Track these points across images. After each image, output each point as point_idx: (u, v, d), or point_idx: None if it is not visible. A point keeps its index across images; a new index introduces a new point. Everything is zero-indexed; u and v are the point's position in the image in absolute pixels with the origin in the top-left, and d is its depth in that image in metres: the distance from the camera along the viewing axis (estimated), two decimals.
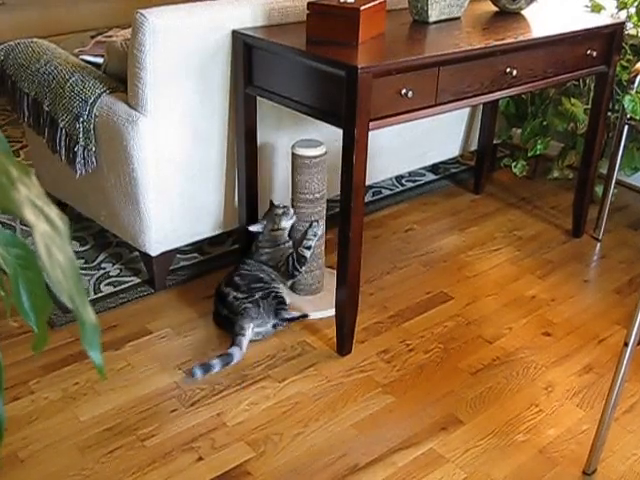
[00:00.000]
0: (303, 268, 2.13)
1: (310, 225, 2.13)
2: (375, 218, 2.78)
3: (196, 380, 1.89)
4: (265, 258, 2.13)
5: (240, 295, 2.05)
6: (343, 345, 2.00)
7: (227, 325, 2.06)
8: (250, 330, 2.01)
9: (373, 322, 2.17)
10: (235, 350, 1.96)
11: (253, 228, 2.13)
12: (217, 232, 2.33)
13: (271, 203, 2.18)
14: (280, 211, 2.12)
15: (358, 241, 1.87)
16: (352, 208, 1.80)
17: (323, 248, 2.21)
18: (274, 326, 2.06)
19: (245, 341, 1.99)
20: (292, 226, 2.15)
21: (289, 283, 2.17)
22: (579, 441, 1.75)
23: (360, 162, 1.77)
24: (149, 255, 2.21)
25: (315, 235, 2.12)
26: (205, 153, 2.17)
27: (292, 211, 2.12)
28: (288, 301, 2.11)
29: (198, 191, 2.21)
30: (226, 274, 2.16)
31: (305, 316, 2.12)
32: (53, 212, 0.67)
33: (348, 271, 1.89)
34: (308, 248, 2.12)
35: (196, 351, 2.01)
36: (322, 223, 2.15)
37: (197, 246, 2.49)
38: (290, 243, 2.14)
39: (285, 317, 2.07)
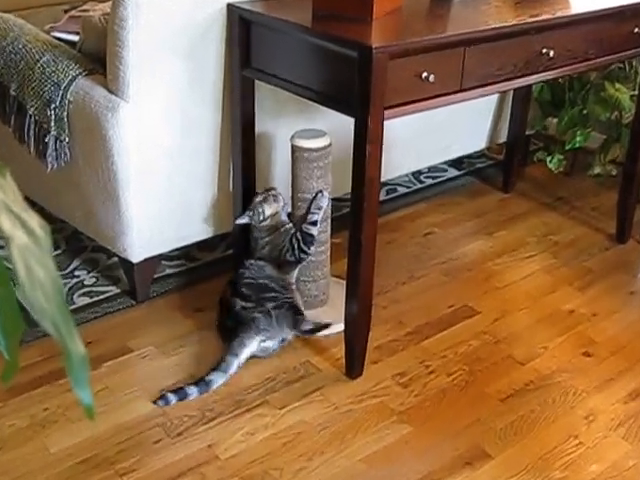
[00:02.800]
0: (312, 249, 2.11)
1: (314, 197, 2.11)
2: (389, 220, 2.78)
3: (169, 406, 1.89)
4: (266, 251, 2.12)
5: (249, 305, 2.05)
6: (353, 366, 2.00)
7: (232, 338, 2.05)
8: (249, 348, 2.00)
9: (387, 340, 2.16)
10: (216, 376, 1.95)
11: (240, 220, 2.15)
12: (208, 235, 2.33)
13: (255, 193, 2.20)
14: (260, 198, 2.12)
15: (371, 246, 1.86)
16: (364, 208, 1.80)
17: (329, 254, 2.22)
18: (282, 341, 2.05)
19: (235, 363, 1.97)
20: (289, 212, 2.16)
21: (294, 276, 2.15)
22: (625, 478, 1.74)
23: (374, 156, 1.76)
24: (130, 261, 2.21)
25: (320, 208, 2.10)
26: (195, 144, 2.17)
27: (276, 192, 2.13)
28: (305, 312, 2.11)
29: (187, 188, 2.21)
30: (230, 280, 2.16)
31: (327, 326, 2.08)
32: (33, 219, 0.65)
33: (359, 281, 1.88)
34: (313, 224, 2.10)
35: (184, 373, 2.00)
36: (327, 195, 2.12)
37: (185, 251, 2.49)
38: (290, 225, 2.14)
39: (307, 329, 2.06)
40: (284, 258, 2.11)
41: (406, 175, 3.05)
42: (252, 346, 2.01)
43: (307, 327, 2.07)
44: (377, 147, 1.76)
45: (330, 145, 2.11)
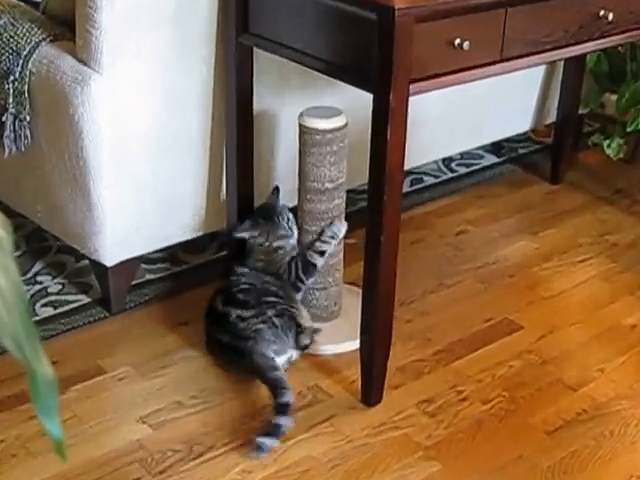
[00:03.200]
0: (310, 280, 2.16)
1: (330, 223, 2.14)
2: (415, 216, 2.77)
3: (264, 453, 1.84)
4: (261, 265, 2.17)
5: (247, 313, 2.06)
6: (370, 392, 2.00)
7: (230, 355, 2.08)
8: (278, 358, 2.02)
9: (412, 360, 2.17)
10: (288, 396, 1.90)
11: (239, 234, 2.17)
12: (197, 234, 2.34)
13: (275, 189, 2.20)
14: (275, 223, 2.14)
15: (393, 248, 1.86)
16: (385, 202, 1.80)
17: (342, 257, 2.22)
18: (288, 359, 2.05)
19: (283, 375, 1.97)
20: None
21: (299, 296, 2.18)
22: None
23: (397, 139, 1.76)
24: (103, 265, 2.21)
25: (334, 237, 2.14)
26: (182, 125, 2.18)
27: (295, 229, 2.17)
28: (308, 325, 2.11)
29: (172, 177, 2.21)
30: (218, 289, 2.18)
31: (316, 331, 2.10)
32: None
33: (379, 289, 1.88)
34: (321, 253, 2.14)
35: (168, 398, 2.00)
36: (345, 223, 2.17)
37: (169, 253, 2.50)
38: (293, 242, 2.17)
39: (305, 344, 2.07)
40: (281, 278, 2.15)
41: (435, 162, 3.04)
42: (278, 360, 2.01)
43: (305, 342, 2.08)
44: (400, 129, 1.75)
45: (346, 125, 2.11)
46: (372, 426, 1.95)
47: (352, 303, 2.20)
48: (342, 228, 2.15)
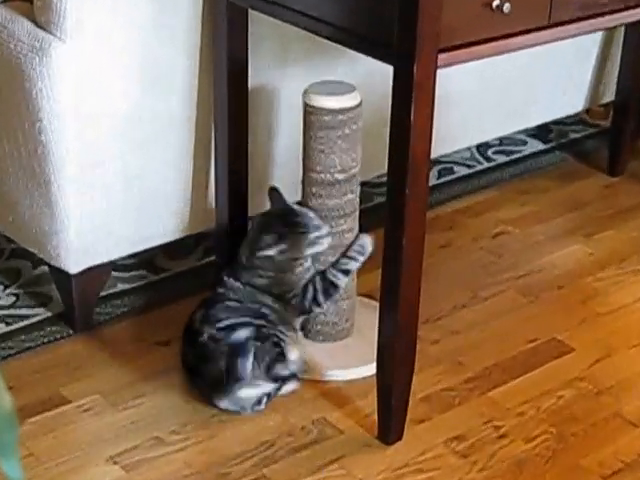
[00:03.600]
0: (328, 303, 2.17)
1: (356, 238, 2.17)
2: (443, 214, 2.78)
3: None
4: (264, 282, 2.14)
5: (220, 335, 2.06)
6: (389, 426, 2.00)
7: (195, 379, 2.09)
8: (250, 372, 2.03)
9: (439, 388, 2.16)
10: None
11: (265, 252, 2.08)
12: (180, 236, 2.36)
13: (272, 190, 2.18)
14: (314, 234, 2.09)
15: (416, 252, 1.86)
16: (407, 197, 1.79)
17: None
18: (267, 394, 2.05)
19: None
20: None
21: (299, 322, 2.19)
22: None
23: (422, 121, 1.75)
24: (66, 272, 2.20)
25: (362, 253, 2.16)
26: (162, 103, 2.18)
27: (326, 230, 2.13)
28: (294, 357, 2.10)
29: (150, 168, 2.22)
30: (203, 301, 2.16)
31: (294, 376, 2.10)
32: None
33: (399, 303, 1.88)
34: (345, 272, 2.15)
35: (144, 433, 2.00)
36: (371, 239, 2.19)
37: (146, 259, 2.51)
38: (308, 263, 2.15)
39: (279, 374, 2.06)
40: (288, 301, 2.14)
41: (468, 149, 3.06)
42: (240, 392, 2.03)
43: (280, 372, 2.06)
44: (426, 109, 1.75)
45: (361, 104, 2.10)
46: (391, 469, 1.94)
47: (367, 319, 2.21)
48: (369, 242, 2.17)
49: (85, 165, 2.10)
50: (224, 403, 2.04)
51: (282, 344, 2.09)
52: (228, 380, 2.03)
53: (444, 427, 2.05)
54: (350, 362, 2.18)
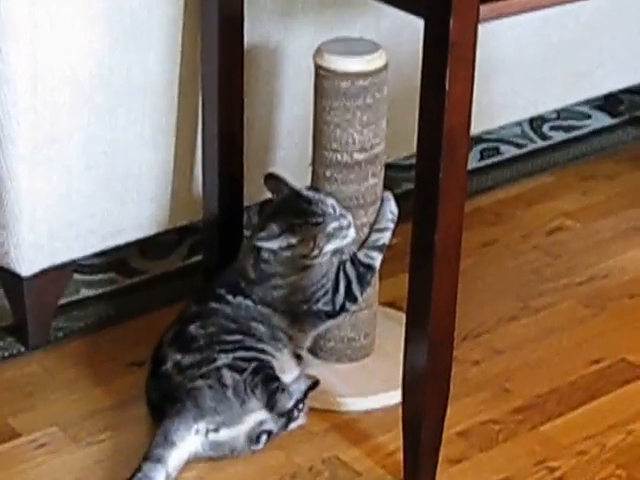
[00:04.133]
0: (364, 295, 2.16)
1: (382, 201, 2.18)
2: (486, 205, 2.81)
3: None
4: (279, 295, 2.16)
5: (187, 360, 2.08)
6: (417, 468, 1.98)
7: (156, 417, 2.09)
8: (182, 445, 2.02)
9: (480, 421, 2.17)
10: None
11: (263, 243, 2.13)
12: (158, 230, 2.38)
13: (269, 177, 2.19)
14: (333, 225, 2.12)
15: (453, 253, 1.85)
16: (441, 183, 1.78)
17: None
18: (257, 437, 2.06)
19: (160, 476, 1.97)
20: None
21: (321, 328, 2.20)
22: None
23: (460, 89, 1.73)
24: (16, 275, 2.22)
25: (393, 220, 2.18)
26: (136, 63, 2.19)
27: (348, 220, 2.14)
28: (290, 377, 2.13)
29: (120, 143, 2.23)
30: (181, 316, 2.17)
31: (314, 386, 2.12)
32: None
33: (431, 315, 1.87)
34: (380, 249, 2.18)
35: (112, 476, 2.00)
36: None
37: (117, 258, 2.54)
38: (327, 263, 2.16)
39: (285, 407, 2.08)
40: (310, 307, 2.16)
41: (517, 125, 3.10)
42: (187, 442, 2.01)
43: (284, 405, 2.08)
44: (465, 73, 1.73)
45: (386, 67, 2.07)
46: None
47: (390, 334, 2.26)
48: (394, 203, 2.19)
49: (40, 140, 2.12)
50: (194, 451, 2.04)
51: (271, 368, 2.11)
52: (191, 424, 2.04)
53: (486, 469, 2.06)
54: (369, 388, 2.20)
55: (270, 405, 2.06)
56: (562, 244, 2.69)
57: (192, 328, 2.12)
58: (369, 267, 2.15)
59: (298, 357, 2.19)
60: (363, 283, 2.15)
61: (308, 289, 2.14)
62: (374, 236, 2.17)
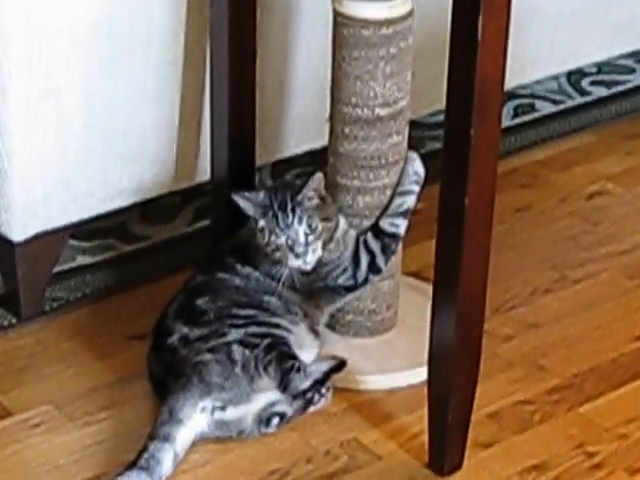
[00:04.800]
0: (388, 264, 2.10)
1: (407, 161, 2.11)
2: (520, 167, 2.76)
3: None
4: (304, 280, 2.09)
5: (195, 333, 2.02)
6: (443, 451, 1.94)
7: (159, 393, 2.05)
8: (188, 424, 1.97)
9: (513, 401, 2.11)
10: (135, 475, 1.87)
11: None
12: (161, 192, 2.34)
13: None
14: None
15: (484, 218, 1.80)
16: (472, 141, 1.73)
17: None
18: (268, 420, 2.01)
19: (167, 456, 1.93)
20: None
21: (339, 304, 2.15)
22: None
23: (493, 36, 1.68)
24: (8, 240, 2.18)
25: (418, 181, 2.11)
26: (139, 10, 2.15)
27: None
28: (311, 357, 2.08)
29: (121, 98, 2.20)
30: (187, 284, 2.12)
31: (341, 366, 2.08)
32: None
33: (460, 286, 1.83)
34: (405, 215, 2.11)
35: (112, 458, 1.95)
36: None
37: (116, 223, 2.49)
38: (344, 226, 2.11)
39: (297, 388, 2.02)
40: (327, 284, 2.13)
41: (554, 79, 3.04)
42: (193, 419, 1.97)
43: (298, 386, 2.01)
44: (499, 18, 1.68)
45: (412, 14, 2.01)
46: None
47: (414, 306, 2.22)
48: (421, 163, 2.13)
49: (35, 94, 2.08)
50: (200, 430, 2.00)
51: (287, 347, 2.06)
52: (197, 401, 1.99)
53: (519, 453, 2.01)
54: (392, 365, 2.15)
55: (283, 385, 2.00)
56: (603, 210, 2.65)
57: (200, 302, 2.07)
58: (394, 236, 2.11)
59: (315, 332, 2.14)
60: (388, 253, 2.10)
61: (321, 268, 2.10)
62: (397, 200, 2.11)
